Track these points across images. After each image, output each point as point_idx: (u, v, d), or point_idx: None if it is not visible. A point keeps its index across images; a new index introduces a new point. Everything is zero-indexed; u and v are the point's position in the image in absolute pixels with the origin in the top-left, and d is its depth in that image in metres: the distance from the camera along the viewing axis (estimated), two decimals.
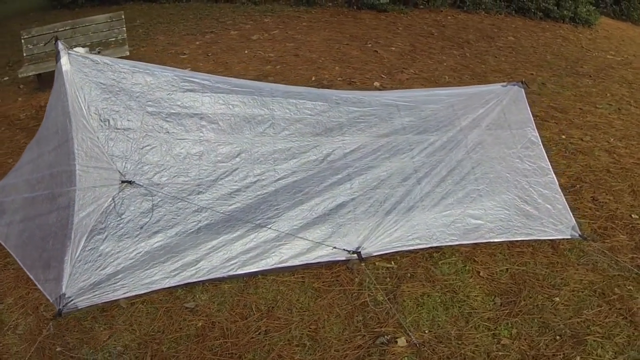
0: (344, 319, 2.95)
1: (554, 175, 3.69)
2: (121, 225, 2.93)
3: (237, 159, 3.13)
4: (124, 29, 6.30)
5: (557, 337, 2.90)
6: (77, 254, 2.81)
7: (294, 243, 3.02)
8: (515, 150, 3.59)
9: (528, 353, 2.80)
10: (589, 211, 4.13)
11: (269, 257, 2.98)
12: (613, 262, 3.55)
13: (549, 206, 3.47)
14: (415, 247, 3.14)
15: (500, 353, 2.79)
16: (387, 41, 8.05)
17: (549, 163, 3.70)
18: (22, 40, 5.98)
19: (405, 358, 2.73)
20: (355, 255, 2.99)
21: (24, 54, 5.94)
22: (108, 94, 3.01)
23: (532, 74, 7.18)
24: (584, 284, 3.35)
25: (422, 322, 2.99)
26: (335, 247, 3.00)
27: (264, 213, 3.08)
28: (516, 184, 3.49)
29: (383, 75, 6.74)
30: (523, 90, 3.89)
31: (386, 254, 3.22)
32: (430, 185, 3.33)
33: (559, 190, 3.63)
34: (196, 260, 2.96)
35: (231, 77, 6.14)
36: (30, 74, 5.87)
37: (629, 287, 3.38)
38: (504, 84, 3.90)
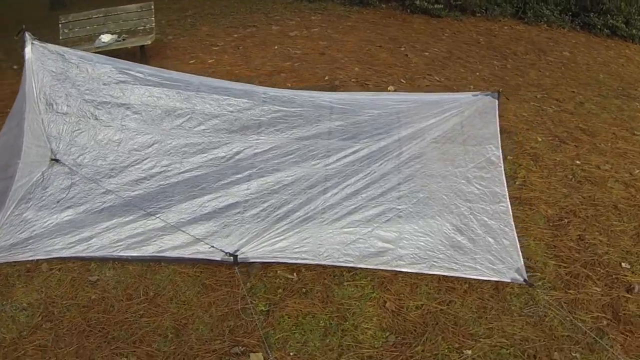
0: (215, 320, 2.79)
1: (509, 203, 3.02)
2: (44, 198, 3.17)
3: (150, 149, 3.17)
4: (153, 19, 6.43)
5: None
6: (5, 217, 3.09)
7: (175, 235, 2.97)
8: (464, 169, 2.99)
9: None
10: (567, 252, 3.39)
11: (149, 245, 2.99)
12: (567, 319, 2.82)
13: (490, 240, 2.83)
14: (300, 262, 2.71)
15: None
16: (424, 46, 7.41)
17: (505, 189, 3.05)
18: (60, 25, 6.34)
19: None
20: (231, 257, 2.70)
21: (60, 37, 6.26)
22: (56, 81, 3.24)
23: (573, 91, 6.17)
24: (514, 340, 2.74)
25: (291, 343, 2.65)
26: (213, 246, 2.81)
27: (158, 202, 3.07)
28: (453, 208, 2.89)
29: (402, 80, 6.17)
30: (496, 101, 3.22)
31: (266, 262, 2.93)
32: (337, 197, 2.88)
33: (511, 222, 2.98)
34: (90, 237, 3.07)
35: (247, 71, 6.13)
36: None
37: (574, 354, 2.67)
38: (476, 92, 3.26)
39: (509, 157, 4.52)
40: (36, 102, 3.19)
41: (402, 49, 7.28)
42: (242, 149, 3.08)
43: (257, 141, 3.08)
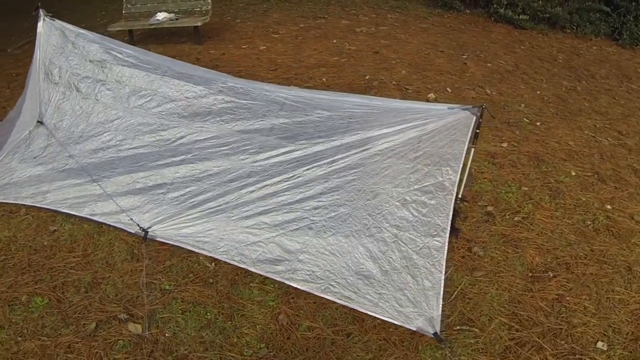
0: (124, 287, 2.86)
1: (446, 241, 2.48)
2: (25, 153, 3.47)
3: (112, 124, 3.27)
4: (209, 1, 6.50)
5: None
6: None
7: (107, 203, 3.07)
8: (403, 189, 2.56)
9: None
10: (530, 312, 2.83)
11: (85, 207, 3.13)
12: None
13: (408, 277, 2.40)
14: (197, 251, 2.59)
15: None
16: (490, 56, 6.64)
17: (449, 222, 2.52)
18: (124, 0, 6.67)
19: (121, 340, 2.53)
20: (142, 232, 2.82)
21: (123, 12, 6.65)
22: (55, 54, 3.50)
23: None
24: None
25: (170, 325, 2.60)
26: (132, 219, 2.78)
27: (104, 172, 3.18)
28: (374, 231, 2.50)
29: (448, 89, 5.58)
30: (474, 118, 2.73)
31: (170, 244, 2.91)
32: (253, 196, 2.66)
33: (443, 263, 2.48)
34: (46, 192, 3.30)
35: (290, 61, 5.99)
36: (117, 29, 6.54)
37: None
38: (454, 106, 2.79)
39: (523, 188, 3.83)
40: (38, 71, 3.52)
41: (465, 56, 6.59)
42: (186, 134, 3.02)
43: (201, 129, 2.99)
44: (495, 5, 8.03)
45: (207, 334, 2.55)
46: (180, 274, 2.90)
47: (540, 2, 7.81)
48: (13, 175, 3.42)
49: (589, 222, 3.56)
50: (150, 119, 3.12)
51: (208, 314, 2.65)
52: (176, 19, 6.33)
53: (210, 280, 2.83)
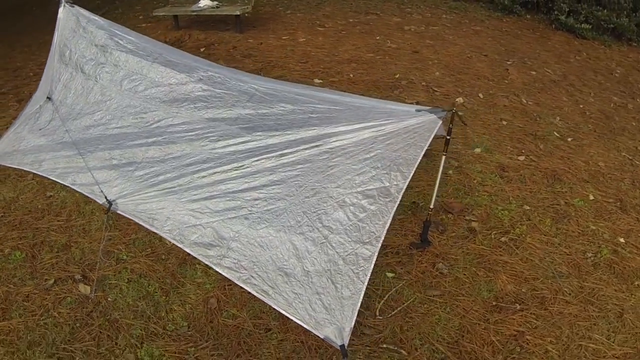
0: (90, 252, 2.99)
1: (377, 251, 2.22)
2: (34, 124, 3.65)
3: (105, 104, 3.32)
4: None
5: None
6: (11, 132, 3.72)
7: (86, 175, 3.13)
8: (344, 190, 2.38)
9: None
10: (475, 347, 2.44)
11: (69, 177, 3.21)
12: None
13: (329, 282, 2.21)
14: (147, 227, 2.63)
15: None
16: (537, 64, 6.01)
17: (384, 231, 2.25)
18: None
19: (69, 297, 2.68)
20: (107, 204, 2.85)
21: None
22: (69, 38, 3.65)
23: None
24: None
25: (115, 291, 2.72)
26: (102, 191, 2.90)
27: (89, 147, 3.22)
28: (306, 230, 2.36)
29: (480, 95, 5.14)
30: (440, 122, 2.48)
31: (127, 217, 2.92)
32: (204, 181, 2.66)
33: (368, 274, 2.19)
34: (43, 160, 3.40)
35: (324, 55, 5.84)
36: (161, 14, 6.75)
37: None
38: (422, 107, 2.55)
39: (524, 207, 3.40)
40: (54, 52, 3.69)
41: (509, 62, 6.02)
42: (162, 118, 3.02)
43: (176, 114, 2.97)
44: (556, 12, 7.21)
45: (141, 304, 2.62)
46: (140, 247, 3.00)
47: (605, 11, 6.90)
48: (21, 143, 3.64)
49: (589, 255, 3.07)
50: (136, 101, 3.16)
51: (149, 286, 2.72)
52: (217, 7, 6.40)
53: (163, 257, 2.90)
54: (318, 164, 2.47)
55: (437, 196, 3.45)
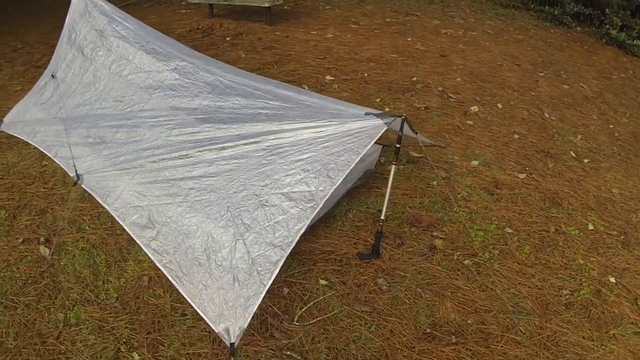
0: (63, 220, 3.05)
1: (285, 256, 2.02)
2: (38, 99, 3.86)
3: (93, 85, 3.40)
4: None
5: None
6: (20, 104, 3.96)
7: (65, 148, 3.22)
8: (271, 191, 2.25)
9: None
10: None
11: (52, 150, 3.32)
12: None
13: (230, 277, 2.09)
14: (102, 203, 2.68)
15: None
16: (571, 78, 5.41)
17: (296, 238, 2.05)
18: None
19: (30, 256, 2.79)
20: (76, 177, 2.93)
21: None
22: (76, 21, 3.79)
23: None
24: None
25: (68, 256, 2.81)
26: (74, 165, 2.96)
27: (73, 123, 3.33)
28: (226, 224, 2.26)
29: (499, 105, 4.70)
30: (384, 128, 2.25)
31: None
32: (154, 166, 2.61)
33: (271, 277, 2.01)
34: (37, 132, 3.59)
35: (345, 52, 5.63)
36: (195, 2, 6.76)
37: None
38: (371, 111, 2.34)
39: (505, 229, 3.02)
40: (64, 34, 3.85)
41: (542, 74, 5.45)
42: (136, 103, 3.04)
43: (148, 100, 2.97)
44: (607, 26, 6.40)
45: (86, 271, 2.69)
46: (102, 220, 3.04)
47: None
48: (26, 115, 3.85)
49: (565, 292, 2.65)
50: (119, 85, 3.22)
51: (97, 257, 2.78)
52: None
53: (118, 232, 2.91)
54: (253, 160, 2.33)
55: (409, 207, 3.18)
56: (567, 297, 2.62)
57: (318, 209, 2.09)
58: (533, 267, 2.80)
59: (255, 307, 1.96)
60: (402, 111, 4.49)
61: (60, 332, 2.31)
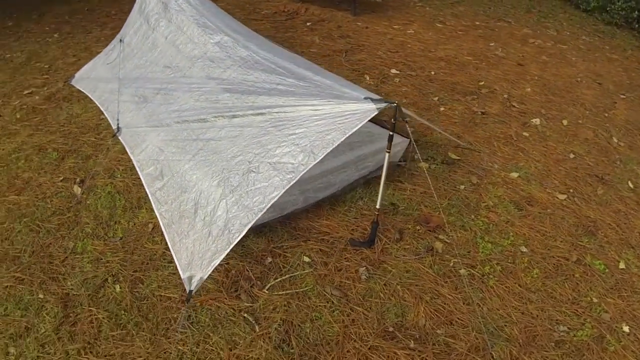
0: (97, 155, 3.46)
1: (253, 220, 2.08)
2: (106, 59, 4.28)
3: (151, 52, 3.67)
4: None
5: None
6: (90, 63, 4.49)
7: (115, 104, 3.54)
8: (262, 159, 2.35)
9: None
10: None
11: (105, 104, 3.71)
12: None
13: (208, 232, 2.22)
14: (130, 154, 2.95)
15: None
16: None
17: (267, 205, 2.08)
18: None
19: (64, 192, 3.07)
20: (117, 129, 3.24)
21: None
22: (155, 6, 3.97)
23: None
24: None
25: (96, 198, 3.06)
26: (117, 118, 3.31)
27: (127, 82, 3.66)
28: (218, 183, 2.39)
29: (564, 121, 4.33)
30: (376, 112, 2.24)
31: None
32: (178, 127, 2.82)
33: (238, 237, 2.07)
34: (97, 87, 4.08)
35: (419, 50, 5.47)
36: None
37: None
38: (372, 95, 2.35)
39: (520, 249, 2.79)
40: (137, 4, 4.16)
41: (623, 96, 4.85)
42: (179, 70, 3.24)
43: (189, 69, 3.16)
44: None
45: (105, 212, 2.96)
46: (133, 171, 3.21)
47: None
48: (92, 72, 4.32)
49: (561, 328, 2.39)
50: (171, 53, 3.46)
51: (118, 201, 3.04)
52: None
53: (142, 182, 3.10)
54: (255, 130, 2.42)
55: (424, 206, 3.03)
56: (561, 334, 2.32)
57: (295, 181, 2.10)
58: (535, 293, 2.53)
59: (218, 262, 2.06)
60: (457, 112, 4.25)
61: (66, 257, 2.62)
